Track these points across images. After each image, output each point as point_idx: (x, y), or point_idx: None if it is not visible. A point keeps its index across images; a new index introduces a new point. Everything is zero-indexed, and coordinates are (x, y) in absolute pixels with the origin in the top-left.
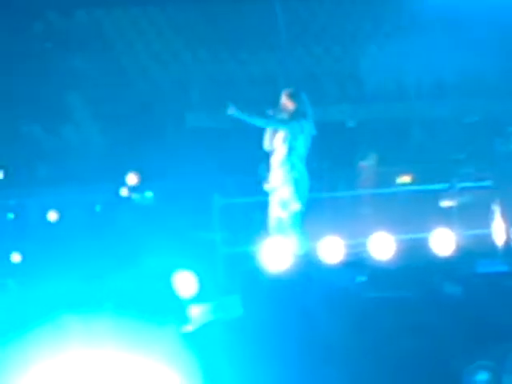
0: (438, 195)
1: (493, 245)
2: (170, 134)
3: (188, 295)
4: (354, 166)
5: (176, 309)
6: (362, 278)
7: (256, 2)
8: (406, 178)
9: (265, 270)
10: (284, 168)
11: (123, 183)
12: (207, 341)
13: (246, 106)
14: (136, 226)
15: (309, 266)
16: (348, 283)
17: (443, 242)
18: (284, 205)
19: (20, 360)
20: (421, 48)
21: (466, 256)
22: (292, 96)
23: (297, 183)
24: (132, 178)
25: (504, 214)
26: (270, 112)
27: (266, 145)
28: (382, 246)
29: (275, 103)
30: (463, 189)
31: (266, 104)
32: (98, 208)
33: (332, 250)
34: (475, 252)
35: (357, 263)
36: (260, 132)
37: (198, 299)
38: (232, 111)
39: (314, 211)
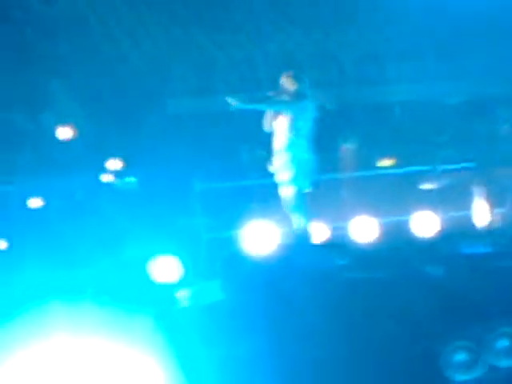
0: (419, 178)
1: (474, 226)
2: (151, 120)
3: (172, 280)
4: (336, 150)
5: (156, 294)
6: (344, 261)
7: None
8: (387, 161)
9: (246, 254)
10: (288, 149)
11: (104, 169)
12: (187, 325)
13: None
14: (119, 212)
15: (290, 250)
16: (330, 265)
17: (425, 224)
18: (287, 186)
19: (4, 346)
20: (402, 31)
21: (447, 237)
22: (294, 77)
23: (302, 164)
24: (114, 164)
25: (487, 196)
26: (271, 94)
27: (266, 126)
28: (364, 229)
29: (256, 88)
30: (445, 171)
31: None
32: (80, 194)
33: (315, 232)
34: (456, 233)
35: (339, 245)
36: (242, 117)
37: (180, 284)
38: (235, 104)
39: None
